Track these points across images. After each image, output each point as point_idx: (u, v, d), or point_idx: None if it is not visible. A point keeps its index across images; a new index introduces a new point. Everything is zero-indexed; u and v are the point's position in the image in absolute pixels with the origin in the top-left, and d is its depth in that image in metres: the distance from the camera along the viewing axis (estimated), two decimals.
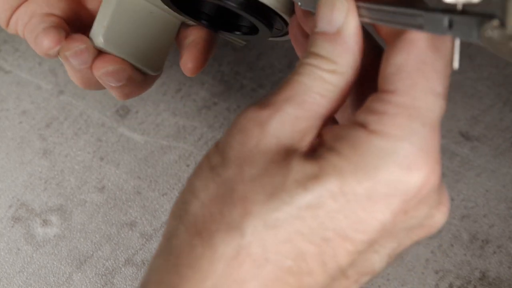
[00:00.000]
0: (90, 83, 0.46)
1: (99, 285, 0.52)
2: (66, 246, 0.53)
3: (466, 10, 0.29)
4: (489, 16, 0.28)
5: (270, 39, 0.46)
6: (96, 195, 0.55)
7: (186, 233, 0.31)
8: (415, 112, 0.30)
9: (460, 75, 0.59)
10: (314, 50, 0.33)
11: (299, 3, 0.38)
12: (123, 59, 0.45)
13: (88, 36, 0.45)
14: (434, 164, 0.31)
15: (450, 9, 0.29)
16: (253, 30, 0.45)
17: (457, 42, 0.31)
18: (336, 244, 0.31)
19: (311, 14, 0.38)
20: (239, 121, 0.32)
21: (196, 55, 0.46)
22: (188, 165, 0.56)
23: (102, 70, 0.44)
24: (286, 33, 0.43)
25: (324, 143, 0.32)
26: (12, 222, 0.54)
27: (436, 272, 0.51)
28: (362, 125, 0.31)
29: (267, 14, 0.41)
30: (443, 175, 0.55)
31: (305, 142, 0.32)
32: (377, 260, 0.32)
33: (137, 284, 0.51)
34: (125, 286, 0.52)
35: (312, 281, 0.31)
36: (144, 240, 0.53)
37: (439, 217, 0.33)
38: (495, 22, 0.27)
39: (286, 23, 0.42)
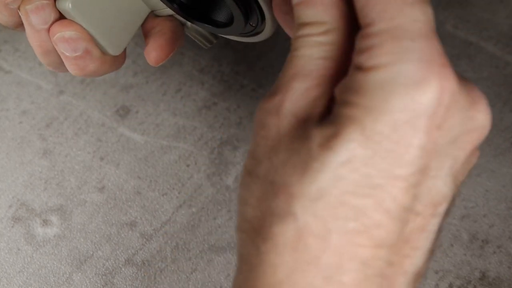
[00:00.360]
0: (48, 52, 0.44)
1: (99, 285, 0.52)
2: (66, 246, 0.53)
3: None
4: None
5: (239, 38, 0.45)
6: (96, 195, 0.55)
7: (248, 239, 0.32)
8: (398, 32, 0.30)
9: None
10: (299, 21, 0.32)
11: None
12: (83, 29, 0.43)
13: None
14: (442, 69, 0.30)
15: None
16: (226, 24, 0.44)
17: None
18: (389, 187, 0.30)
19: None
20: (257, 118, 0.32)
21: (161, 44, 0.45)
22: (188, 165, 0.56)
23: (59, 34, 0.42)
24: (258, 33, 0.43)
25: (336, 99, 0.31)
26: (12, 222, 0.54)
27: (436, 272, 0.51)
28: (358, 67, 0.30)
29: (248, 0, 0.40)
30: None
31: (320, 107, 0.32)
32: (441, 184, 0.31)
33: (137, 284, 0.52)
34: (125, 286, 0.52)
35: (383, 232, 0.30)
36: (144, 240, 0.53)
37: (480, 116, 0.32)
38: None
39: (263, 19, 0.41)
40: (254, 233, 0.31)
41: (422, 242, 0.32)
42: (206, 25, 0.45)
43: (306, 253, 0.30)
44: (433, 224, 0.32)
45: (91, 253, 0.53)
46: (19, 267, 0.52)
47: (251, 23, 0.42)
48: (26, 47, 0.62)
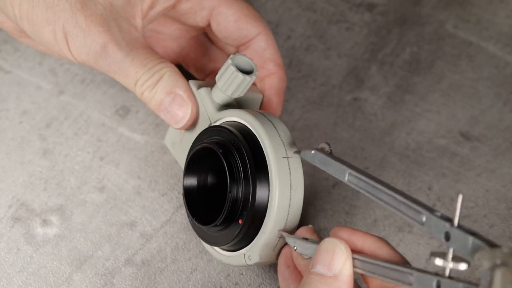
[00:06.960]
0: None
1: (99, 285, 0.51)
2: (66, 246, 0.53)
3: (452, 276, 0.32)
4: (474, 285, 0.31)
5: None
6: (96, 195, 0.55)
7: None
8: None
9: (460, 75, 0.59)
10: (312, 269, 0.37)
11: (295, 248, 0.42)
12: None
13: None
14: None
15: (439, 273, 0.32)
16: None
17: None
18: None
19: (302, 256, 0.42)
20: None
21: None
22: None
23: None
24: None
25: None
26: (12, 222, 0.54)
27: None
28: None
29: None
30: (443, 175, 0.55)
31: None
32: None
33: (137, 284, 0.51)
34: (125, 286, 0.51)
35: None
36: (144, 240, 0.53)
37: None
38: None
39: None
40: None
41: None
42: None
43: None
44: None
45: (91, 253, 0.53)
46: (18, 267, 0.52)
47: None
48: (26, 47, 0.62)
